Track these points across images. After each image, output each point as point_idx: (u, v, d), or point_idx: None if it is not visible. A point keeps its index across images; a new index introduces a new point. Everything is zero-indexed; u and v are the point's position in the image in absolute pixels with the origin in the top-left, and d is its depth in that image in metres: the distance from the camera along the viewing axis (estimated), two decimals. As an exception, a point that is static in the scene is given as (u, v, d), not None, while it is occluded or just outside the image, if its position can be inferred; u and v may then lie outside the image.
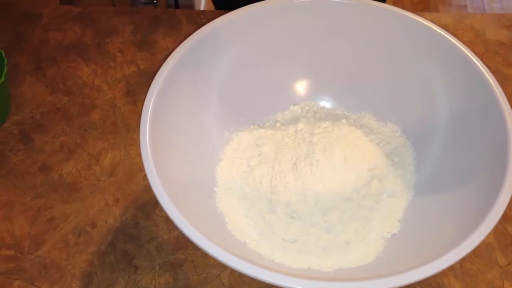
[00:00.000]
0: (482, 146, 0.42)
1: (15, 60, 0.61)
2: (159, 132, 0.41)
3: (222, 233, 0.43)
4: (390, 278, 0.33)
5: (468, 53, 0.44)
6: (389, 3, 0.52)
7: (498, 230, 0.48)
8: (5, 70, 0.52)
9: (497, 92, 0.42)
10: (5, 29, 0.64)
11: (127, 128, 0.56)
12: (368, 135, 0.49)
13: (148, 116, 0.41)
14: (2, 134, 0.55)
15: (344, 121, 0.50)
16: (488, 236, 0.36)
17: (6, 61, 0.53)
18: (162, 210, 0.36)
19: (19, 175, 0.52)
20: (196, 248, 0.44)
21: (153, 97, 0.42)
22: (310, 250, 0.43)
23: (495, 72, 0.52)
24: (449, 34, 0.46)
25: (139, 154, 0.39)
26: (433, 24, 0.46)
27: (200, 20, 0.65)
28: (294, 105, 0.52)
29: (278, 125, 0.50)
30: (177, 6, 1.26)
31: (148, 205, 0.50)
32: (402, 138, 0.49)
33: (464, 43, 0.45)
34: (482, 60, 0.44)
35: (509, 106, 0.41)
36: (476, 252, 0.46)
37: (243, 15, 0.48)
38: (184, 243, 0.47)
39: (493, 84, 0.42)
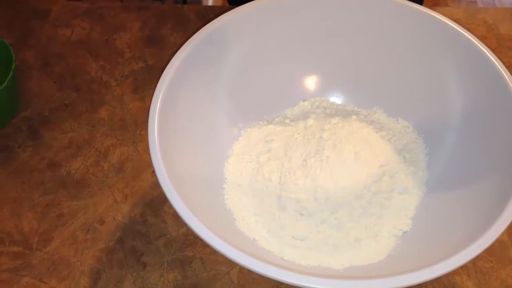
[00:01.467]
0: (496, 142, 0.41)
1: (23, 56, 0.61)
2: (167, 128, 0.41)
3: (231, 230, 0.42)
4: (402, 276, 0.32)
5: (482, 47, 0.43)
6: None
7: (512, 228, 0.47)
8: (13, 65, 0.52)
9: (512, 87, 0.41)
10: (13, 25, 0.64)
11: (135, 124, 0.55)
12: (379, 131, 0.48)
13: (156, 112, 0.40)
14: (11, 130, 0.55)
15: (354, 117, 0.49)
16: (502, 234, 0.35)
17: (14, 57, 0.53)
18: (170, 206, 0.36)
19: (27, 171, 0.52)
20: (205, 245, 0.44)
21: (161, 93, 0.41)
22: (320, 247, 0.42)
23: (508, 67, 0.51)
24: (462, 28, 0.45)
25: (147, 151, 0.39)
26: (446, 18, 0.46)
27: (208, 15, 0.65)
28: (304, 101, 0.52)
29: (287, 121, 0.50)
30: (185, 1, 1.26)
31: (156, 201, 0.50)
32: (414, 134, 0.49)
33: (477, 37, 0.44)
34: (495, 54, 0.43)
35: (523, 102, 0.40)
36: (489, 250, 0.45)
37: (252, 10, 0.47)
38: (193, 240, 0.47)
39: (508, 79, 0.41)
